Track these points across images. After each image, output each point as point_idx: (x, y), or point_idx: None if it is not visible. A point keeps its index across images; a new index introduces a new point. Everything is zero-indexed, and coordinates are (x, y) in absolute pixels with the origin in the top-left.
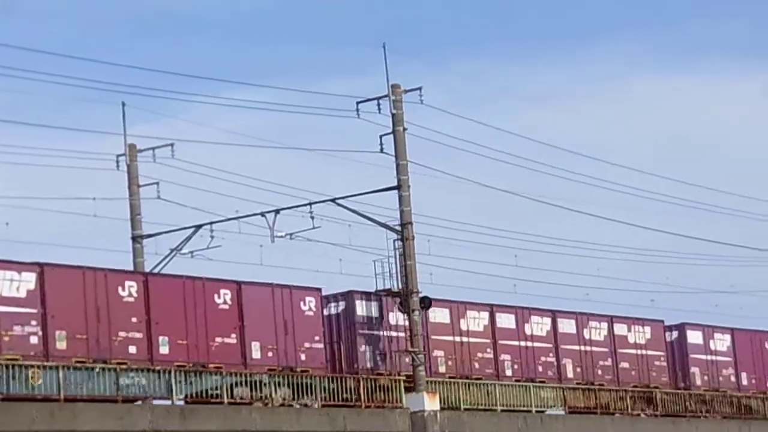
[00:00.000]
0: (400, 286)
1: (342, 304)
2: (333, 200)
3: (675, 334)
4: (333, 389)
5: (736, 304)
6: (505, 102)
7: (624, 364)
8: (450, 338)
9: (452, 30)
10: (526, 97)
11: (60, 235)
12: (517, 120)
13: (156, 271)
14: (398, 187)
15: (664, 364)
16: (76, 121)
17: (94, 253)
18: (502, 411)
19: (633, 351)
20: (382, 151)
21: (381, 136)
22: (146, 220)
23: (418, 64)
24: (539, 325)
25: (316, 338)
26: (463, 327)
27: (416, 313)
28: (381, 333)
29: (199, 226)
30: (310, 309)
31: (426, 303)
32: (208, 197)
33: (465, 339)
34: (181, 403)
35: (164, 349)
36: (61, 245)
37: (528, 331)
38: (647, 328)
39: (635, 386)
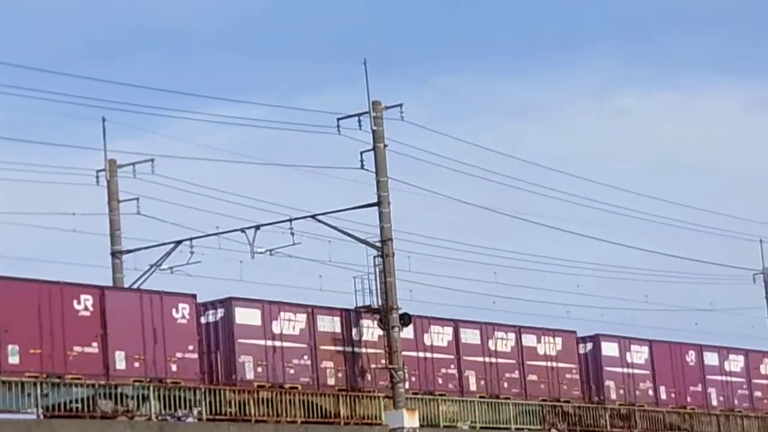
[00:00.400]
0: (380, 303)
1: (221, 312)
2: (313, 216)
3: (589, 345)
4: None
5: (715, 322)
6: (485, 116)
7: (532, 377)
8: (341, 348)
9: (432, 45)
10: (506, 111)
11: (40, 250)
12: (498, 134)
13: (135, 287)
14: (378, 204)
15: (576, 376)
16: (57, 137)
17: (74, 268)
18: (482, 428)
19: (542, 363)
20: (362, 167)
21: (361, 153)
22: (126, 235)
23: (399, 80)
24: (440, 336)
25: (190, 347)
26: (356, 337)
27: (396, 329)
28: (265, 342)
29: (179, 242)
30: (183, 316)
31: (406, 320)
32: (189, 213)
33: (358, 350)
34: (33, 416)
35: (14, 359)
36: (41, 260)
37: (428, 342)
38: (558, 339)
39: (544, 400)
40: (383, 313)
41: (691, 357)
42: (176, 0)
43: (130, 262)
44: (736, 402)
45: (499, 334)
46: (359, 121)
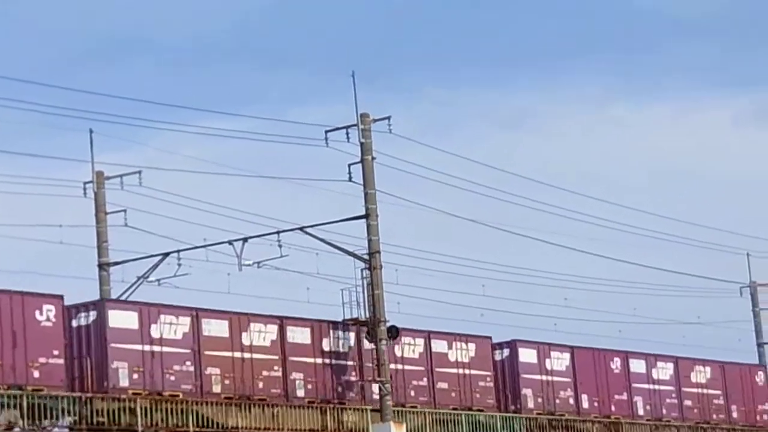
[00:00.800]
0: (368, 315)
1: (92, 315)
2: (301, 229)
3: (506, 352)
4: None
5: (702, 335)
6: (480, 126)
7: (442, 385)
8: (229, 354)
9: (427, 56)
10: (501, 122)
11: (26, 262)
12: (492, 145)
13: (123, 299)
14: (366, 216)
15: (491, 384)
16: (44, 148)
17: (61, 280)
18: None
19: (454, 370)
20: (350, 179)
21: (349, 165)
22: (113, 247)
23: (394, 91)
24: (341, 341)
25: (55, 352)
26: (246, 342)
27: (383, 342)
28: (142, 347)
29: (166, 254)
30: (48, 319)
31: (393, 332)
32: (176, 225)
33: (248, 355)
34: None
35: None
36: (27, 272)
37: (327, 348)
38: (472, 345)
39: (455, 408)
40: (371, 326)
41: (616, 364)
42: (168, 11)
43: (117, 275)
44: (664, 411)
45: (407, 339)
46: (347, 133)
